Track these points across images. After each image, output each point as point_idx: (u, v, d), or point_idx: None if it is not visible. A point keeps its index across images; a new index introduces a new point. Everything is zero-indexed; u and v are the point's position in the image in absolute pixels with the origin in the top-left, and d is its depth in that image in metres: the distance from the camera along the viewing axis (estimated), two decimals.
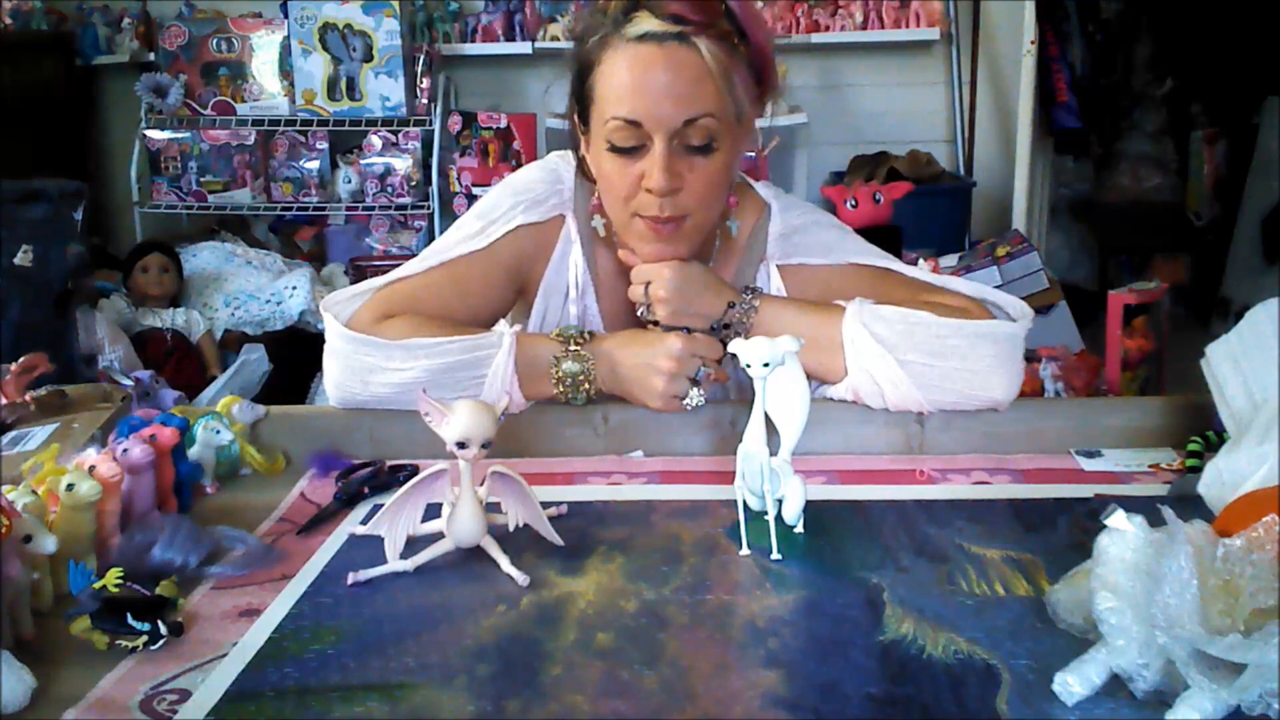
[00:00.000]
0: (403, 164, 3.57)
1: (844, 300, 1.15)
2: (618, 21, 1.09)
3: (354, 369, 1.14)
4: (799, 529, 0.92)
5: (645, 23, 1.08)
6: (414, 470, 1.02)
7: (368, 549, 0.90)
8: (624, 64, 1.09)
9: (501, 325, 1.15)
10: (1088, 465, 1.09)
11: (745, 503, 0.92)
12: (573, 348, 1.14)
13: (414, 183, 3.57)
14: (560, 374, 1.13)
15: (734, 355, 0.91)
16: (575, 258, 1.26)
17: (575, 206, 1.27)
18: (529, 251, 1.26)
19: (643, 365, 1.12)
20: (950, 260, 2.93)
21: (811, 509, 0.92)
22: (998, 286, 2.66)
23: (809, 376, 0.95)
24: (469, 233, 1.24)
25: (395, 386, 1.12)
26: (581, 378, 1.13)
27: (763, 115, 1.19)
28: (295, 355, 2.95)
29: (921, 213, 3.14)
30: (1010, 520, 0.95)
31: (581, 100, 1.16)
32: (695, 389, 1.12)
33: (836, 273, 1.24)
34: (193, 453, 1.07)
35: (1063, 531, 0.92)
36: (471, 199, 3.51)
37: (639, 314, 1.19)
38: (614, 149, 1.11)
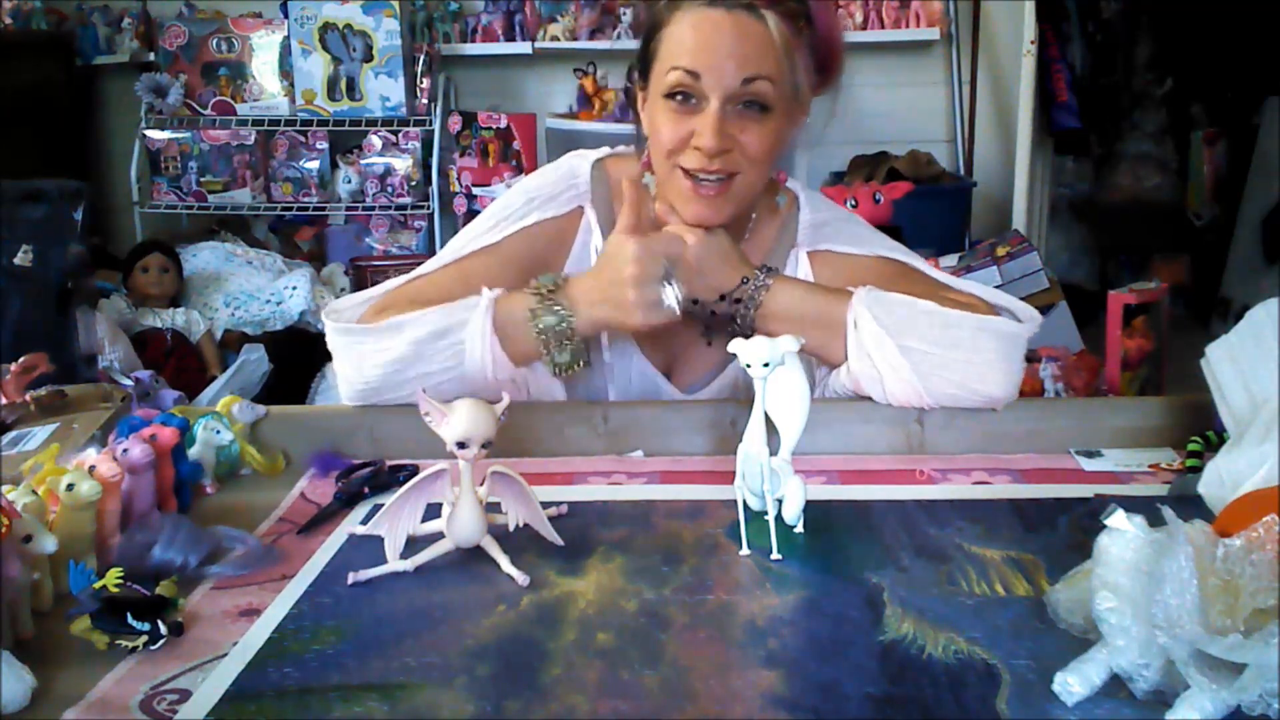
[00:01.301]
0: (403, 164, 3.57)
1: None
2: None
3: (351, 360, 1.15)
4: (799, 529, 0.92)
5: None
6: (414, 470, 1.02)
7: (368, 549, 0.90)
8: (690, 23, 1.13)
9: (484, 290, 1.15)
10: (1088, 465, 1.09)
11: (745, 503, 0.92)
12: (547, 300, 1.13)
13: (414, 183, 3.57)
14: (541, 328, 1.12)
15: (734, 354, 0.91)
16: (596, 243, 1.27)
17: (594, 198, 1.28)
18: (547, 247, 1.27)
19: (608, 284, 1.11)
20: (950, 260, 2.93)
21: (811, 509, 0.92)
22: (997, 286, 2.66)
23: (810, 356, 0.95)
24: (481, 230, 1.26)
25: (385, 365, 1.13)
26: (561, 329, 1.12)
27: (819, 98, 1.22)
28: (295, 355, 2.95)
29: (921, 213, 3.14)
30: (1010, 520, 0.95)
31: (645, 60, 1.19)
32: (669, 286, 1.10)
33: (862, 263, 1.26)
34: (193, 453, 1.07)
35: (1063, 531, 0.92)
36: (471, 199, 3.51)
37: None
38: (670, 95, 1.13)
